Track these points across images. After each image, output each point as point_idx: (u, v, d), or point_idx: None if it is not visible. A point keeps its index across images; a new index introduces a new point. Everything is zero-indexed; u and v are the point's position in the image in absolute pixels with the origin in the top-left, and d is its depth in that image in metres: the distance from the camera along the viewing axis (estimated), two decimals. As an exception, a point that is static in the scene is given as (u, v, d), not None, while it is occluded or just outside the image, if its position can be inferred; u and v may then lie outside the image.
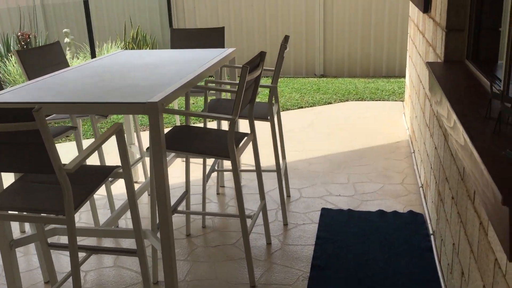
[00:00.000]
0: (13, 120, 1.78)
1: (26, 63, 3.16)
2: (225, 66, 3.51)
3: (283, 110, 5.61)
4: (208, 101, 3.46)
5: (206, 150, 2.51)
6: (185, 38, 4.03)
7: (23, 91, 2.45)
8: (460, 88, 2.08)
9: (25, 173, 2.10)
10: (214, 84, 3.66)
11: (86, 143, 4.72)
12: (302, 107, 5.70)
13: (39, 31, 8.08)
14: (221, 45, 3.94)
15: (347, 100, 5.92)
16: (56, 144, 3.29)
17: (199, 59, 3.19)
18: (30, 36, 7.17)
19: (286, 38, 3.20)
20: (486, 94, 1.98)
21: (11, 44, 7.30)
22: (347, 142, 4.50)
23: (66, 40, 7.22)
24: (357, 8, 7.44)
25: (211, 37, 3.98)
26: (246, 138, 2.77)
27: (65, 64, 3.46)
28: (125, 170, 2.27)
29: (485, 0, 2.38)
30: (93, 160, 4.11)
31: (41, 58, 3.30)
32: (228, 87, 3.63)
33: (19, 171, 1.94)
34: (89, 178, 2.21)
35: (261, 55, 2.65)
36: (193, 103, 6.05)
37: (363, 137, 4.60)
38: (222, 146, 2.56)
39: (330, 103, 5.83)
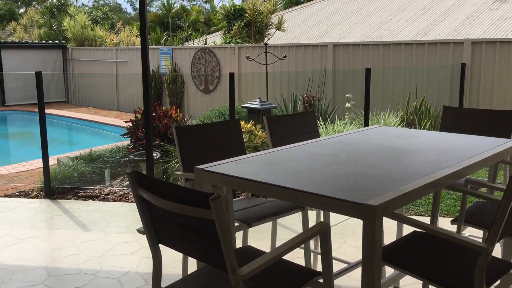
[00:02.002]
0: (190, 202, 1.53)
1: (274, 130, 3.04)
2: (503, 163, 2.68)
3: None
4: (472, 203, 2.68)
5: (436, 276, 1.81)
6: (460, 119, 3.33)
7: (246, 163, 2.27)
8: None
9: (196, 259, 1.85)
10: (479, 188, 2.75)
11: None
12: None
13: (325, 94, 8.37)
14: (506, 134, 3.08)
15: None
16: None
17: (465, 149, 2.49)
18: (314, 98, 7.45)
19: None
20: None
21: (298, 104, 7.73)
22: None
23: (347, 105, 7.22)
24: None
25: (495, 122, 3.17)
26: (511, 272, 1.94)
27: (315, 134, 3.23)
28: (325, 282, 1.79)
29: None
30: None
31: (290, 126, 3.16)
32: (497, 194, 2.75)
33: (189, 255, 1.70)
34: (276, 281, 1.82)
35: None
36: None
37: None
38: (465, 276, 1.81)
39: None
